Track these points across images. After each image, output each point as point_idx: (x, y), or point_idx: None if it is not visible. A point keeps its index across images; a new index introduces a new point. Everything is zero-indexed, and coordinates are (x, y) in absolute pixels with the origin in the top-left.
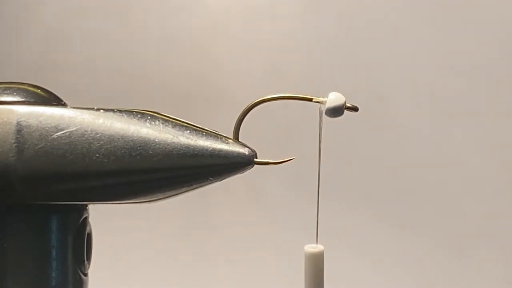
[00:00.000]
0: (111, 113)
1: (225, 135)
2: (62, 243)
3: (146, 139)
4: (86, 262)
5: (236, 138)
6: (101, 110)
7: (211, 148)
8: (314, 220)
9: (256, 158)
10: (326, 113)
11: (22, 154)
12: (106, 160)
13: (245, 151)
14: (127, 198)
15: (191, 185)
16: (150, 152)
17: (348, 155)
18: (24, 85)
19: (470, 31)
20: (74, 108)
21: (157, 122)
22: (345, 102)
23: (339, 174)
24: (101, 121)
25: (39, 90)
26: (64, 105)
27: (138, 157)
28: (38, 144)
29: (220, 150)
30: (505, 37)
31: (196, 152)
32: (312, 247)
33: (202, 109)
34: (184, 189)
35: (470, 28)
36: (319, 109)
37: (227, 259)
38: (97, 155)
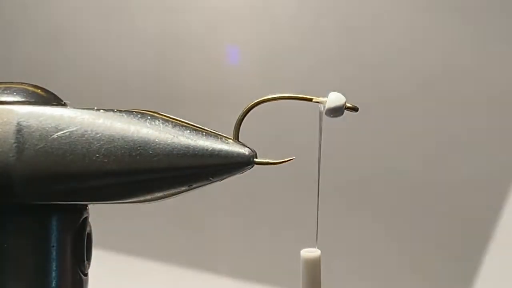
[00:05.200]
0: (111, 113)
1: (225, 135)
2: (62, 243)
3: (146, 139)
4: (86, 262)
5: (236, 138)
6: (101, 110)
7: (211, 148)
8: (313, 221)
9: (256, 158)
10: (326, 113)
11: (22, 154)
12: (106, 160)
13: (245, 151)
14: (127, 198)
15: (191, 185)
16: (150, 152)
17: (348, 155)
18: (24, 85)
19: (470, 30)
20: (74, 108)
21: (157, 122)
22: (345, 102)
23: (339, 175)
24: (101, 121)
25: (39, 90)
26: (64, 105)
27: (138, 157)
28: (38, 144)
29: (220, 150)
30: (506, 37)
31: (196, 152)
32: (309, 251)
33: (202, 109)
34: (184, 189)
35: (470, 27)
36: (319, 109)
37: (226, 259)
38: (97, 155)
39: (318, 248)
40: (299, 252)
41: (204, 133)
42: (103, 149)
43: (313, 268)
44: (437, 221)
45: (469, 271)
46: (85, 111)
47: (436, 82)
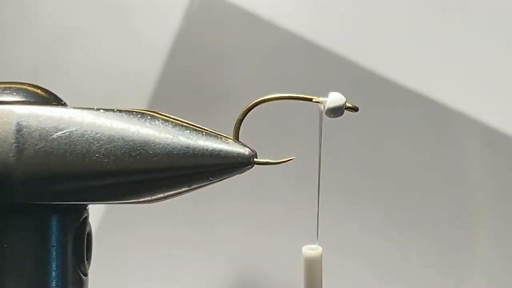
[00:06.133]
0: (111, 113)
1: (225, 135)
2: (62, 243)
3: (146, 139)
4: (86, 262)
5: (236, 138)
6: (101, 110)
7: (211, 148)
8: (314, 220)
9: (256, 158)
10: (326, 113)
11: (22, 154)
12: (106, 160)
13: (245, 151)
14: (127, 198)
15: (191, 185)
16: (150, 152)
17: (349, 155)
18: (24, 85)
19: (472, 29)
20: (74, 108)
21: (157, 122)
22: (345, 102)
23: (339, 174)
24: (101, 121)
25: (39, 90)
26: (64, 105)
27: (138, 157)
28: (38, 144)
29: (220, 150)
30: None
31: (196, 152)
32: (310, 249)
33: (202, 109)
34: (184, 189)
35: (472, 26)
36: (319, 109)
37: (226, 259)
38: (97, 155)
39: (319, 245)
40: (300, 250)
41: (204, 133)
42: (103, 149)
43: (315, 265)
44: (440, 221)
45: (469, 270)
46: (85, 111)
47: (437, 83)
